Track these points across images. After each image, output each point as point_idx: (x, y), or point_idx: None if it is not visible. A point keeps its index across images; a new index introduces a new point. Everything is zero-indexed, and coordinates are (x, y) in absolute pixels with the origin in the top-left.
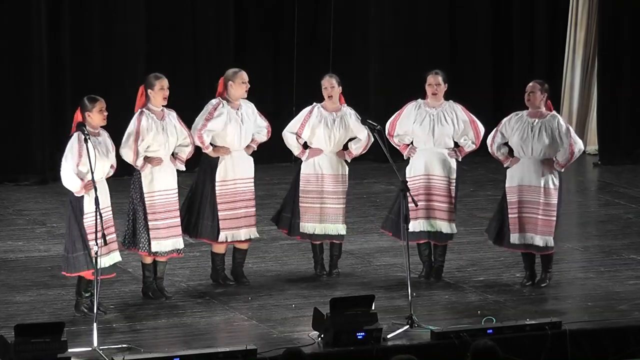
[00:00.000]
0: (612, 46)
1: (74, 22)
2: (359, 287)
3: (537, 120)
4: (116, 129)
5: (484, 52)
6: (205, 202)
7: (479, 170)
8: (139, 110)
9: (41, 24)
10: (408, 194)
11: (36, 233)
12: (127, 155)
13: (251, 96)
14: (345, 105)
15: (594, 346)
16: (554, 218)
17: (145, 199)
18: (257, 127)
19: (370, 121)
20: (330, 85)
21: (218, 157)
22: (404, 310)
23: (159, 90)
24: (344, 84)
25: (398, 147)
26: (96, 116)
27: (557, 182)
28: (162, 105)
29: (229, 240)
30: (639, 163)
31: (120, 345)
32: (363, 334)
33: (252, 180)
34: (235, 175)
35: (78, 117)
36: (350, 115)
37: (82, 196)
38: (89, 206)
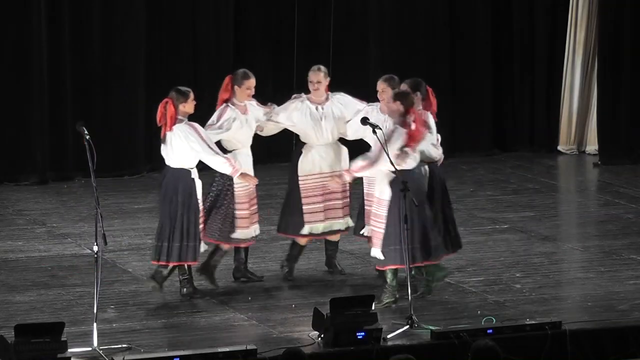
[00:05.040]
0: (612, 46)
1: (74, 22)
2: (359, 287)
3: None
4: (116, 129)
5: (484, 53)
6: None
7: (479, 170)
8: (223, 104)
9: (41, 24)
10: (407, 194)
11: (36, 233)
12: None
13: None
14: (331, 93)
15: (594, 346)
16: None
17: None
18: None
19: (370, 121)
20: (317, 79)
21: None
22: (404, 310)
23: (246, 89)
24: (344, 83)
25: None
26: (189, 105)
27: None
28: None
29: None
30: (639, 163)
31: (120, 345)
32: (363, 334)
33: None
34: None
35: (171, 111)
36: (336, 102)
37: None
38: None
